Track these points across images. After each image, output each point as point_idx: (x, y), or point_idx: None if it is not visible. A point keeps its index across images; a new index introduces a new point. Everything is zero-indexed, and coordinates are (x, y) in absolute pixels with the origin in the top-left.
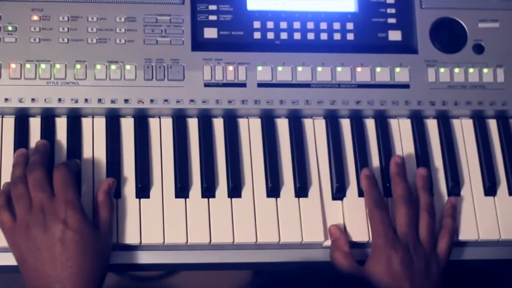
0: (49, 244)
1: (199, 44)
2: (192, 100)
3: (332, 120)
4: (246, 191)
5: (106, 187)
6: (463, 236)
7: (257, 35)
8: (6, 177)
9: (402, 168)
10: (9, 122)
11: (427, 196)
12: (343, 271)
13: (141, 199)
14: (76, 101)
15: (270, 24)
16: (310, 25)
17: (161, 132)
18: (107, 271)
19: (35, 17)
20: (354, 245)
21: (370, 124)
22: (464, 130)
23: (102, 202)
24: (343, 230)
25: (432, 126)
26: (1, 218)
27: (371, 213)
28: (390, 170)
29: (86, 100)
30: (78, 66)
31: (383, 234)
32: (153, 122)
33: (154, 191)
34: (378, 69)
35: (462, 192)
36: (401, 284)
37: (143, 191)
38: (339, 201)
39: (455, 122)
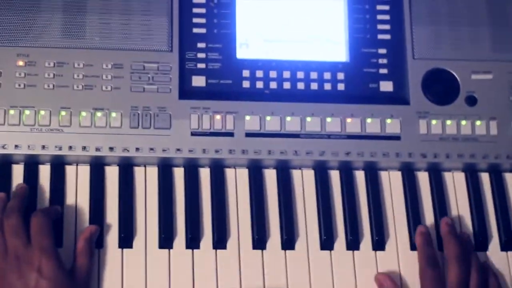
0: None
1: (186, 92)
2: (178, 149)
3: (321, 172)
4: (231, 242)
5: (88, 234)
6: None
7: (246, 84)
8: None
9: (453, 227)
10: None
11: (476, 256)
12: None
13: (124, 249)
14: (60, 148)
15: (259, 73)
16: (300, 74)
17: (146, 181)
18: None
19: (21, 63)
20: None
21: (359, 176)
22: (456, 184)
23: (81, 249)
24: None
25: (423, 179)
26: None
27: (423, 271)
28: (441, 231)
29: (70, 147)
30: (63, 112)
31: None
32: (138, 171)
33: (138, 241)
34: (368, 120)
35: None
36: None
37: (126, 241)
38: (327, 253)
39: (447, 175)
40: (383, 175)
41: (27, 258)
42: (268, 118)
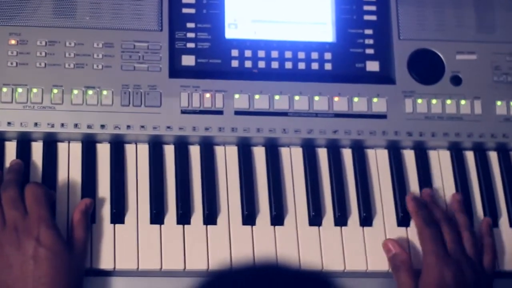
0: (21, 261)
1: (176, 71)
2: (168, 127)
3: (309, 149)
4: (221, 218)
5: (83, 207)
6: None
7: (234, 63)
8: None
9: (434, 197)
10: None
11: (465, 217)
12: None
13: (116, 225)
14: (52, 126)
15: (248, 53)
16: (288, 54)
17: (137, 158)
18: None
19: (13, 41)
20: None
21: (347, 154)
22: (441, 162)
23: (77, 221)
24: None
25: (409, 156)
26: None
27: (422, 232)
28: (424, 199)
29: (62, 125)
30: (55, 90)
31: (435, 251)
32: (129, 148)
33: (129, 216)
34: (355, 99)
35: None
36: None
37: (117, 216)
38: (315, 229)
39: (432, 153)
40: (370, 153)
41: (26, 228)
42: (256, 96)
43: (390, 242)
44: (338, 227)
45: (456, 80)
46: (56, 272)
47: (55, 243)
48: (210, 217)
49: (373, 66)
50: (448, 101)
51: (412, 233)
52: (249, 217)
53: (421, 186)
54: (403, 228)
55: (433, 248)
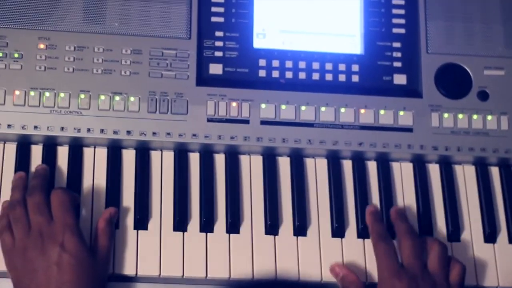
0: (45, 267)
1: (204, 79)
2: (194, 135)
3: (333, 161)
4: (244, 227)
5: (108, 216)
6: None
7: (262, 73)
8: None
9: (402, 212)
10: (11, 149)
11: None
12: None
13: (139, 231)
14: (79, 131)
15: (275, 63)
16: (316, 65)
17: (162, 165)
18: None
19: (42, 46)
20: None
21: (371, 167)
22: (466, 177)
23: (102, 230)
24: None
25: (434, 171)
26: (2, 239)
27: (376, 247)
28: (391, 216)
29: (88, 130)
30: (82, 95)
31: (388, 266)
32: (154, 155)
33: (153, 223)
34: (382, 112)
35: (462, 238)
36: None
37: (141, 222)
38: (338, 241)
39: (457, 168)
40: (395, 166)
41: (51, 233)
42: (283, 106)
43: (337, 266)
44: (361, 239)
45: (483, 95)
46: (79, 279)
47: (79, 250)
48: (233, 226)
49: (400, 79)
50: (475, 116)
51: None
52: (272, 227)
53: (445, 201)
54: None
55: (386, 263)
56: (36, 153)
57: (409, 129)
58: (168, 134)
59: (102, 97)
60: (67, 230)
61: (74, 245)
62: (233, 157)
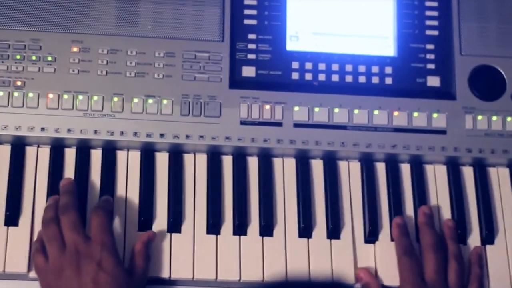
0: (81, 285)
1: (236, 82)
2: (227, 137)
3: (367, 163)
4: (278, 230)
5: (146, 238)
6: (495, 285)
7: (295, 76)
8: (40, 206)
9: (429, 217)
10: (45, 152)
11: (455, 245)
12: None
13: (173, 234)
14: (112, 134)
15: (308, 65)
16: (349, 67)
17: (195, 168)
18: None
19: (75, 49)
20: None
21: (405, 169)
22: (500, 179)
23: (139, 252)
24: (373, 274)
25: (468, 173)
26: (35, 261)
27: (400, 261)
28: (418, 220)
29: (121, 133)
30: (115, 98)
31: (411, 281)
32: (187, 158)
33: (186, 226)
34: (415, 114)
35: (496, 241)
36: None
37: (175, 225)
38: (371, 244)
39: (492, 171)
40: (428, 168)
41: (88, 252)
42: (316, 109)
43: (361, 272)
44: (394, 243)
45: None
46: None
47: (116, 269)
48: (267, 229)
49: (434, 81)
50: (509, 118)
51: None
52: (305, 230)
53: (479, 203)
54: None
55: (408, 278)
56: (70, 157)
57: (442, 131)
58: (201, 137)
59: (136, 100)
60: (104, 249)
61: (111, 264)
62: (266, 159)
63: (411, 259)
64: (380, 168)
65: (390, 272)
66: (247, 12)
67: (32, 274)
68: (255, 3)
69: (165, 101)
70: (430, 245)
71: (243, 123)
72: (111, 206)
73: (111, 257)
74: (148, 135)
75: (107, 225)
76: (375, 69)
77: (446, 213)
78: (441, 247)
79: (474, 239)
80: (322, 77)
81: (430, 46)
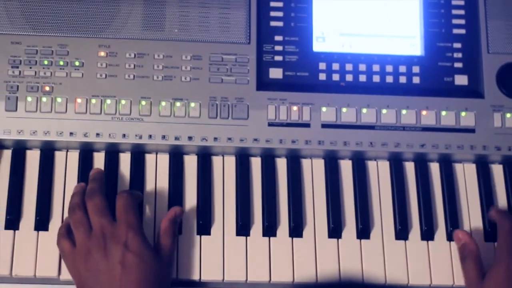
0: (109, 267)
1: (264, 83)
2: (255, 139)
3: (396, 163)
4: (307, 231)
5: (173, 215)
6: None
7: (322, 76)
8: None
9: (504, 211)
10: (74, 157)
11: None
12: (468, 283)
13: (202, 236)
14: (140, 137)
15: (335, 66)
16: (376, 67)
17: (224, 170)
18: None
19: (102, 53)
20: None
21: (434, 168)
22: None
23: (165, 229)
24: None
25: (497, 171)
26: (61, 246)
27: (499, 225)
28: (491, 217)
29: (150, 136)
30: (143, 102)
31: (508, 244)
32: (216, 160)
33: (215, 228)
34: (443, 113)
35: None
36: None
37: (204, 227)
38: (402, 243)
39: None
40: (458, 167)
41: (114, 234)
42: (344, 109)
43: (460, 233)
44: (425, 242)
45: None
46: (143, 278)
47: (143, 249)
48: (296, 230)
49: (461, 80)
50: None
51: None
52: (335, 230)
53: (509, 201)
54: (491, 243)
55: (506, 242)
56: (99, 161)
57: (471, 130)
58: (229, 139)
59: (163, 103)
60: (130, 230)
61: (137, 244)
62: (294, 160)
63: (509, 222)
64: (409, 168)
65: (419, 272)
66: (273, 14)
67: (64, 276)
68: (281, 5)
69: (192, 104)
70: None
71: (270, 124)
72: (138, 197)
73: (137, 237)
74: (176, 138)
75: (131, 206)
76: (402, 68)
77: (476, 211)
78: None
79: None
80: (349, 77)
81: (457, 45)
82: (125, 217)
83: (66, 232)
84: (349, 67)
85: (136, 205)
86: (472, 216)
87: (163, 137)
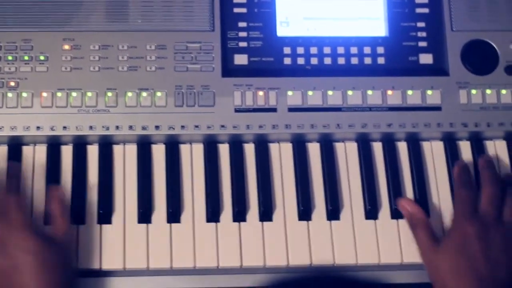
0: (4, 270)
1: (229, 70)
2: (222, 126)
3: (363, 144)
4: (277, 214)
5: (55, 195)
6: None
7: (287, 61)
8: (38, 205)
9: (490, 160)
10: (41, 151)
11: None
12: (422, 251)
13: (172, 224)
14: (107, 129)
15: (300, 50)
16: (341, 50)
17: (192, 158)
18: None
19: (67, 47)
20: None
21: (402, 147)
22: (497, 151)
23: (57, 212)
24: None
25: (465, 148)
26: None
27: (457, 192)
28: (479, 165)
29: (117, 127)
30: (109, 93)
31: (463, 210)
32: (184, 148)
33: (185, 216)
34: (409, 92)
35: None
36: (474, 254)
37: (174, 216)
38: (372, 223)
39: (489, 144)
40: (425, 145)
41: (4, 239)
42: (310, 93)
43: (404, 201)
44: (395, 220)
45: (510, 70)
46: (40, 272)
47: (31, 244)
48: (266, 214)
49: (426, 58)
50: (503, 91)
51: None
52: (305, 213)
53: (478, 177)
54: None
55: (461, 209)
56: (66, 154)
57: (437, 108)
58: (197, 126)
59: (129, 94)
60: (14, 230)
61: (25, 242)
62: (262, 145)
63: (467, 191)
64: (377, 148)
65: (390, 250)
66: (236, 0)
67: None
68: None
69: (158, 93)
70: (487, 179)
71: (237, 110)
72: (11, 184)
73: (22, 233)
74: (144, 128)
75: (13, 204)
76: (367, 50)
77: (445, 188)
78: (498, 183)
79: None
80: (314, 60)
81: (421, 24)
82: (8, 219)
83: None
84: (313, 50)
85: (17, 199)
86: (441, 193)
87: (130, 127)
